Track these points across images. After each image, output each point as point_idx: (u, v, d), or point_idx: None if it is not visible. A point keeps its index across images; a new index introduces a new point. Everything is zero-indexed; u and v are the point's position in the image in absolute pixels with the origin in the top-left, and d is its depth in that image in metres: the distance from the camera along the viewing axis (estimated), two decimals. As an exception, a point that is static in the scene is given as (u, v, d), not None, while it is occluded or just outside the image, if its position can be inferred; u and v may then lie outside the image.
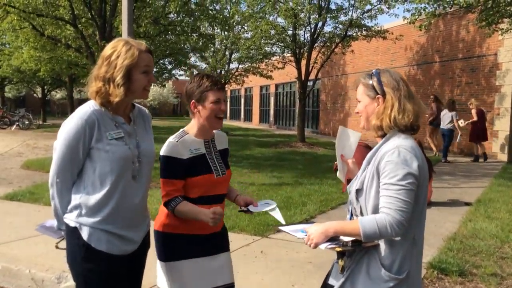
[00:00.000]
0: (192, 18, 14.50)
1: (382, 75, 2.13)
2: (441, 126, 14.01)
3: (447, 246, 5.15)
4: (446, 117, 13.84)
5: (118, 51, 2.21)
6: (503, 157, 14.56)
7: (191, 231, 2.54)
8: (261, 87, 36.19)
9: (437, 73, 17.61)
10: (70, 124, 2.17)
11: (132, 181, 2.27)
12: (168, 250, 2.56)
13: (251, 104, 39.43)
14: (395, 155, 1.94)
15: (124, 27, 7.48)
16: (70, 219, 2.22)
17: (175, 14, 14.28)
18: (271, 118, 34.37)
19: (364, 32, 17.15)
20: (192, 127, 2.63)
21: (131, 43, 2.25)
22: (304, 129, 18.67)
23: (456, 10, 13.17)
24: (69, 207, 2.23)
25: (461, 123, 13.97)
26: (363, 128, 2.25)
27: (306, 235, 2.02)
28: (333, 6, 16.68)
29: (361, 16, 16.66)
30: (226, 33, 20.97)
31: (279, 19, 17.46)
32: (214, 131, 2.70)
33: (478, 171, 11.93)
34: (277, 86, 32.84)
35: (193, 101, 2.57)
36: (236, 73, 24.58)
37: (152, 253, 2.55)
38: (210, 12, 15.41)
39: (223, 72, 23.58)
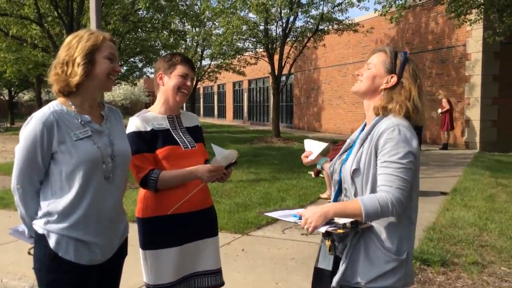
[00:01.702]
0: (162, 14, 14.25)
1: (408, 61, 2.02)
2: None
3: (427, 236, 5.17)
4: None
5: (80, 36, 2.11)
6: (474, 145, 14.86)
7: (176, 209, 2.44)
8: (234, 83, 36.03)
9: (408, 65, 17.78)
10: (27, 129, 2.02)
11: (104, 182, 2.14)
12: (147, 237, 2.48)
13: (224, 100, 39.23)
14: (395, 133, 1.87)
15: (92, 25, 7.27)
16: (39, 225, 2.08)
17: (144, 11, 14.01)
18: (245, 114, 34.28)
19: (335, 26, 17.20)
20: (155, 106, 2.61)
21: (94, 31, 2.16)
22: (279, 124, 18.65)
23: (425, 1, 13.34)
24: (38, 214, 2.10)
25: (434, 114, 14.31)
26: (355, 92, 2.11)
27: (299, 219, 1.90)
28: (304, 1, 16.63)
29: (332, 10, 16.71)
30: (197, 29, 20.74)
31: (251, 14, 17.36)
32: (181, 110, 2.65)
33: (450, 161, 12.13)
34: (250, 82, 32.75)
35: (160, 72, 2.56)
36: (209, 70, 24.38)
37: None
38: (180, 7, 15.18)
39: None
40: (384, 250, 1.90)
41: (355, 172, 1.95)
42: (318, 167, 2.49)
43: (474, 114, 14.98)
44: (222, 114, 39.80)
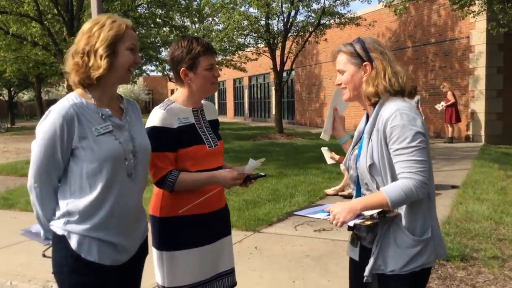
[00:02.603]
0: (164, 10, 14.10)
1: (365, 41, 2.07)
2: None
3: (443, 231, 5.05)
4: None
5: (101, 23, 1.97)
6: (479, 138, 14.75)
7: (191, 210, 2.32)
8: (235, 80, 35.88)
9: (411, 58, 17.68)
10: (46, 123, 1.90)
11: (128, 179, 2.03)
12: (165, 237, 2.36)
13: (225, 97, 39.09)
14: (397, 118, 1.90)
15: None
16: (58, 226, 1.97)
17: (145, 6, 13.86)
18: (246, 111, 34.13)
19: (337, 19, 17.06)
20: (179, 96, 2.44)
21: (116, 18, 2.01)
22: (281, 120, 18.54)
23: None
24: (56, 215, 1.99)
25: (439, 107, 14.20)
26: (348, 100, 2.17)
27: (328, 215, 1.94)
28: (305, -5, 16.48)
29: (334, 4, 16.56)
30: (196, 26, 20.58)
31: (251, 9, 17.22)
32: (202, 101, 2.52)
33: (456, 154, 12.02)
34: (250, 78, 32.59)
35: (183, 68, 2.36)
36: (209, 67, 24.20)
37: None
38: (182, 2, 15.02)
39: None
40: (409, 234, 1.93)
41: (372, 167, 1.98)
42: (339, 141, 2.48)
43: (478, 106, 14.87)
44: (223, 111, 39.65)
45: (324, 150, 5.43)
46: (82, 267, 1.94)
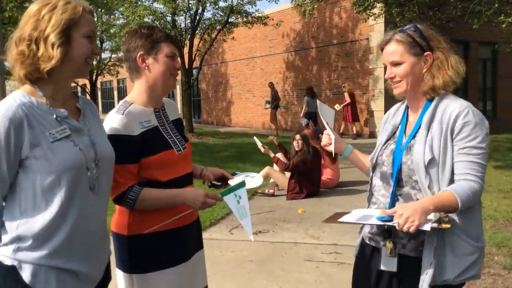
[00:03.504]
0: None
1: (423, 29, 1.93)
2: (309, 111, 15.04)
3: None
4: (313, 104, 14.87)
5: (52, 4, 1.62)
6: (380, 135, 15.65)
7: (161, 226, 2.01)
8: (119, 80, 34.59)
9: (315, 59, 18.28)
10: None
11: (90, 193, 1.69)
12: (136, 258, 2.04)
13: (125, 96, 37.45)
14: (470, 115, 1.80)
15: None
16: (5, 255, 1.59)
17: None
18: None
19: (245, 18, 17.09)
20: (137, 95, 2.11)
21: None
22: (192, 120, 18.14)
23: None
24: (2, 240, 1.60)
25: (337, 106, 15.07)
26: (402, 94, 1.99)
27: (389, 219, 1.76)
28: (212, -8, 16.27)
29: (241, 2, 16.55)
30: (95, 20, 19.39)
31: (156, 4, 16.55)
32: (163, 98, 2.22)
33: (364, 150, 12.51)
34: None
35: (140, 52, 2.04)
36: (110, 63, 23.03)
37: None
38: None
39: (94, 62, 21.91)
40: (469, 240, 1.83)
41: (431, 162, 1.81)
42: (342, 158, 2.31)
43: (378, 105, 15.77)
44: (122, 110, 37.96)
45: (256, 139, 6.43)
46: None
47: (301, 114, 15.73)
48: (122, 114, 1.99)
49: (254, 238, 5.02)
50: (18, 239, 1.58)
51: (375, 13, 13.29)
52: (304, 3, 12.29)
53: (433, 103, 1.90)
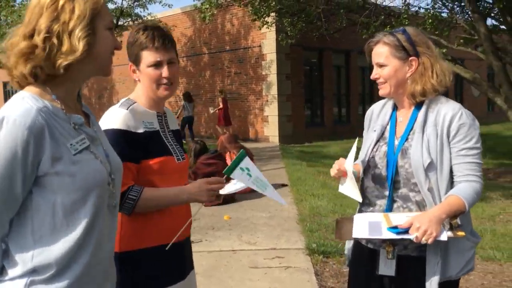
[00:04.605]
0: None
1: (412, 33, 1.94)
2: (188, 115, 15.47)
3: (308, 229, 5.26)
4: (191, 108, 15.50)
5: None
6: (275, 139, 16.11)
7: (157, 240, 1.84)
8: (5, 84, 31.39)
9: (207, 64, 18.26)
10: (0, 139, 1.23)
11: (107, 211, 1.46)
12: (129, 276, 1.82)
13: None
14: (464, 116, 1.84)
15: None
16: None
17: None
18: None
19: (136, 22, 16.46)
20: (140, 95, 1.94)
21: None
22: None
23: (230, 2, 13.81)
24: (10, 274, 1.30)
25: (211, 109, 15.85)
26: (386, 95, 2.01)
27: (405, 232, 1.73)
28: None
29: (133, 5, 15.94)
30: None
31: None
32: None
33: (263, 154, 12.85)
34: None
35: (130, 63, 1.93)
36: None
37: None
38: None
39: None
40: (469, 237, 1.88)
41: (430, 165, 1.83)
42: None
43: (272, 110, 16.23)
44: None
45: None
46: None
47: (178, 120, 15.56)
48: (127, 110, 1.83)
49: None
50: (32, 271, 1.29)
51: (268, 22, 13.68)
52: (206, 9, 12.21)
53: (424, 105, 1.92)
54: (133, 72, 1.92)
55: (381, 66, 1.95)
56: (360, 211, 2.12)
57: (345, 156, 2.00)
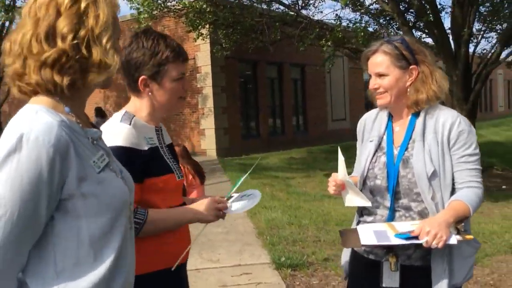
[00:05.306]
0: None
1: (409, 41, 1.94)
2: None
3: (269, 242, 5.17)
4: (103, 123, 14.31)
5: None
6: (212, 152, 15.92)
7: (160, 263, 1.73)
8: None
9: (139, 77, 17.75)
10: (21, 160, 1.05)
11: (130, 239, 1.30)
12: None
13: None
14: (463, 123, 1.86)
15: None
16: None
17: None
18: None
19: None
20: (141, 109, 1.79)
21: None
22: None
23: (165, 12, 13.51)
24: None
25: None
26: (385, 105, 1.98)
27: (412, 238, 1.70)
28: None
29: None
30: None
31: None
32: None
33: (205, 168, 12.62)
34: None
35: (143, 76, 1.73)
36: None
37: None
38: None
39: None
40: (471, 242, 1.86)
41: (433, 173, 1.83)
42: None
43: (209, 123, 16.03)
44: None
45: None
46: None
47: None
48: (130, 125, 1.68)
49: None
50: None
51: (203, 33, 13.56)
52: (143, 18, 11.88)
53: (422, 113, 1.92)
54: (145, 87, 1.73)
55: (380, 75, 1.92)
56: (359, 222, 2.06)
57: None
